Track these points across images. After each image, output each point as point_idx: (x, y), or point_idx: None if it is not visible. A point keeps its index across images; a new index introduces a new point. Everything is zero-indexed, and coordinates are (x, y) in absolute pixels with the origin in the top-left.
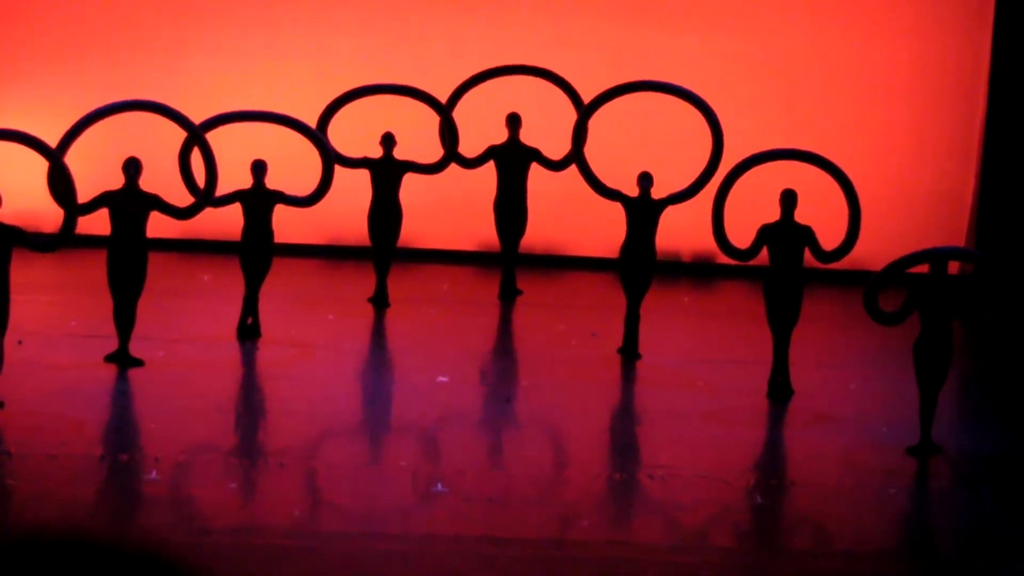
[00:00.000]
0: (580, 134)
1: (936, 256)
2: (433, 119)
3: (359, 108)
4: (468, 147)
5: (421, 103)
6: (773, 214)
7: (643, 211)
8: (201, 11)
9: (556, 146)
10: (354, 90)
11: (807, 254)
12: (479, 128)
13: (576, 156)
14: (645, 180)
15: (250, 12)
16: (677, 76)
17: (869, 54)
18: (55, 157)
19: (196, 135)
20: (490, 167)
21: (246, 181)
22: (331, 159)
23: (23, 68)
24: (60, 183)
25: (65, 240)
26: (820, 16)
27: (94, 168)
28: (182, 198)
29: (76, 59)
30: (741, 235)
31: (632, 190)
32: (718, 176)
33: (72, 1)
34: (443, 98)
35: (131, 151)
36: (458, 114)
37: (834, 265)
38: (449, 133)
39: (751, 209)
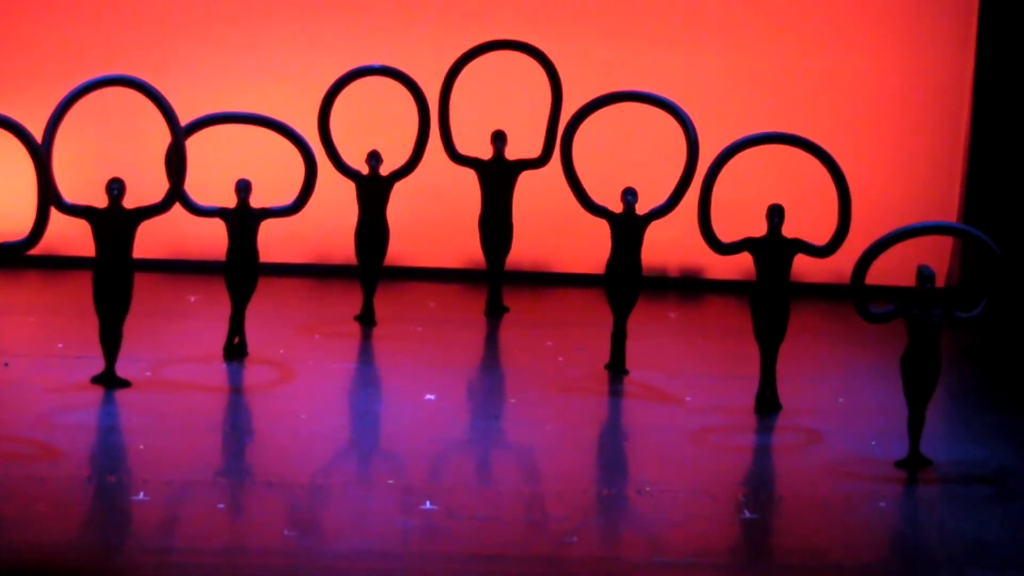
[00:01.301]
0: (567, 148)
1: (922, 230)
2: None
3: (347, 126)
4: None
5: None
6: (761, 229)
7: (628, 227)
8: (187, 29)
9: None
10: (344, 76)
11: (797, 265)
12: (465, 145)
13: (565, 170)
14: (629, 195)
15: (237, 30)
16: (664, 90)
17: (854, 68)
18: (32, 143)
19: (168, 112)
20: (476, 184)
21: (232, 200)
22: (314, 161)
23: (6, 88)
24: (36, 169)
25: (40, 232)
26: (806, 30)
27: (79, 184)
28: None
29: (61, 76)
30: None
31: (616, 206)
32: (703, 169)
33: (55, 20)
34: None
35: (114, 165)
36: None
37: (821, 277)
38: (421, 110)
39: (740, 224)
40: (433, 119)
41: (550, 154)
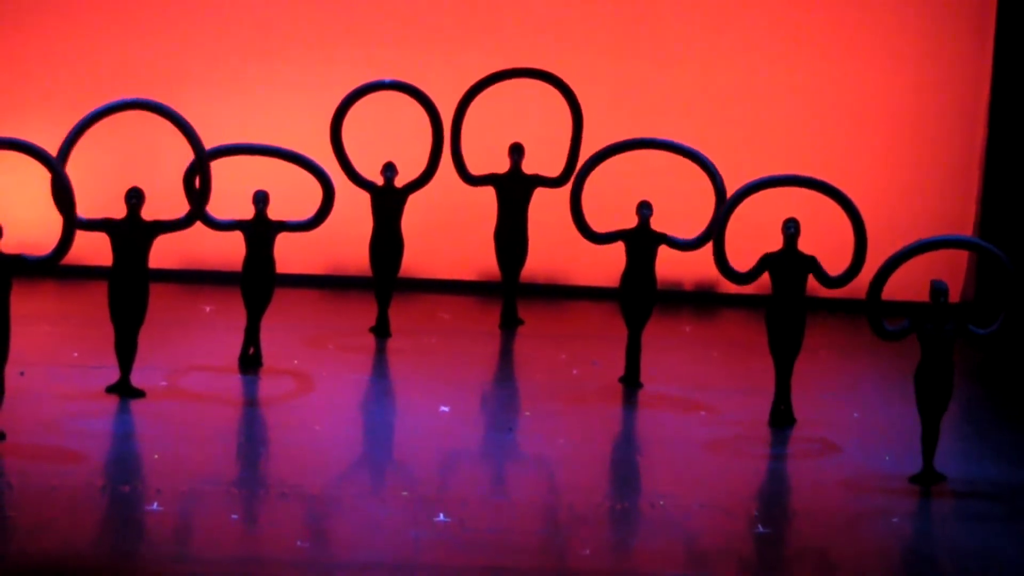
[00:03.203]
0: (577, 192)
1: (936, 244)
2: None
3: (363, 137)
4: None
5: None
6: (777, 242)
7: (643, 241)
8: (200, 44)
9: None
10: (354, 92)
11: (810, 282)
12: (482, 157)
13: (573, 212)
14: (645, 209)
15: (249, 44)
16: (677, 108)
17: (869, 84)
18: (53, 164)
19: (190, 135)
20: (492, 196)
21: (249, 211)
22: (331, 189)
23: (21, 106)
24: (58, 190)
25: (64, 252)
26: (820, 47)
27: (97, 195)
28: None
29: (75, 95)
30: (744, 264)
31: (631, 219)
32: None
33: (70, 37)
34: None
35: (133, 176)
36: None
37: (836, 293)
38: (435, 128)
39: (755, 237)
40: (445, 145)
41: (569, 177)
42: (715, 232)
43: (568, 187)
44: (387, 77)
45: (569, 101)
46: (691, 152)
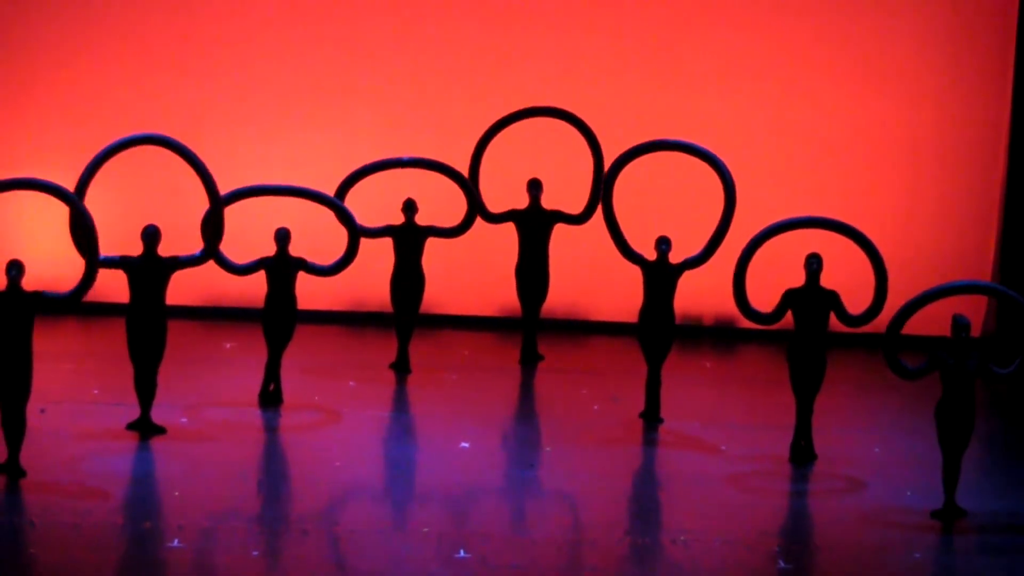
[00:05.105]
0: (608, 193)
1: (955, 290)
2: (454, 184)
3: (380, 175)
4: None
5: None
6: (798, 277)
7: (661, 275)
8: (221, 84)
9: (579, 207)
10: (369, 165)
11: (832, 319)
12: (500, 193)
13: (606, 214)
14: (663, 244)
15: (270, 84)
16: (699, 139)
17: (891, 119)
18: (75, 203)
19: (203, 173)
20: (512, 232)
21: (271, 249)
22: (357, 231)
23: (43, 144)
24: (80, 228)
25: (86, 289)
26: (842, 81)
27: (114, 234)
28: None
29: (94, 135)
30: (764, 297)
31: (650, 255)
32: (740, 240)
33: (89, 75)
34: (464, 162)
35: (149, 213)
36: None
37: (856, 329)
38: (468, 195)
39: (777, 271)
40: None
41: (591, 213)
42: (734, 276)
43: (595, 217)
44: (404, 156)
45: (588, 139)
46: (706, 154)
